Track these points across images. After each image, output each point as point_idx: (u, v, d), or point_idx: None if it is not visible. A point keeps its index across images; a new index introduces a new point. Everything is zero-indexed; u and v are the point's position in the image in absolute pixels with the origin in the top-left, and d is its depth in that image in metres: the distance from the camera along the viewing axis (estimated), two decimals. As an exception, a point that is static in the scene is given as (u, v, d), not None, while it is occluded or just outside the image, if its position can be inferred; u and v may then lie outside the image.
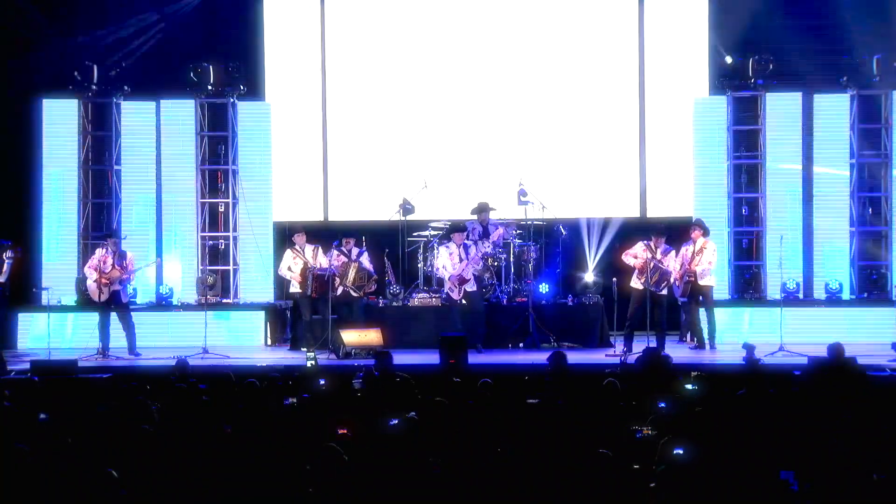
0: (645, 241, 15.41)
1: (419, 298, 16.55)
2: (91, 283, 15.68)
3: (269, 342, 17.09)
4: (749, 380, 10.67)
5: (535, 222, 16.94)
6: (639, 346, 15.05)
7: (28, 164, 17.69)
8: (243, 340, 16.95)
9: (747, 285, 17.22)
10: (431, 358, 14.24)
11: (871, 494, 6.71)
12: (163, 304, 17.28)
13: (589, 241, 17.32)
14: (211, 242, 17.77)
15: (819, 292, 17.17)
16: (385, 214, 17.31)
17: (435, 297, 16.48)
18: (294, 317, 16.80)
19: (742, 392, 9.72)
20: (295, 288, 16.00)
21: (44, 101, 17.62)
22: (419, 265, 16.80)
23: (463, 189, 17.84)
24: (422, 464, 7.27)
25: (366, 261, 16.00)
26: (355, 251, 15.95)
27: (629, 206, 18.05)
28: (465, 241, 15.93)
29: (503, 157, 18.07)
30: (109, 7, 17.52)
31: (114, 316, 15.74)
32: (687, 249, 15.75)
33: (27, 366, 13.76)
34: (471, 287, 15.70)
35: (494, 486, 6.94)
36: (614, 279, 15.71)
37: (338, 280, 15.71)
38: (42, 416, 9.20)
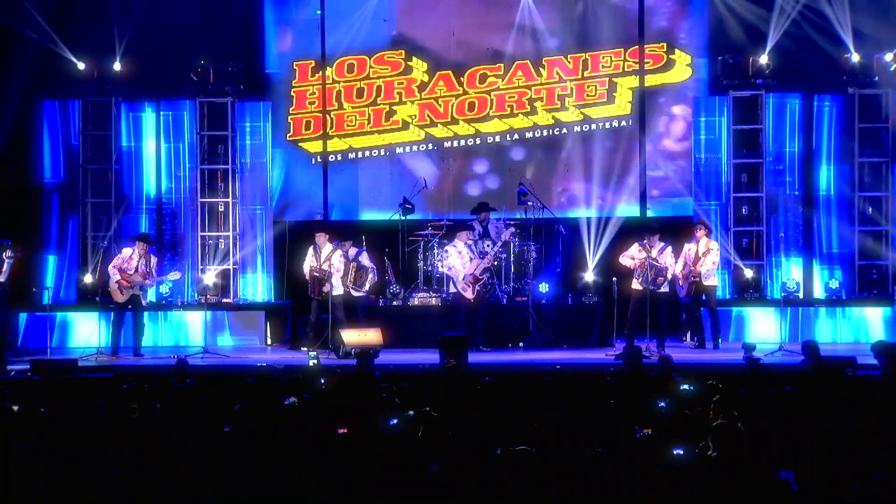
0: (640, 242, 15.39)
1: (419, 298, 16.55)
2: (112, 283, 15.65)
3: (269, 342, 17.09)
4: (749, 380, 10.66)
5: (534, 222, 16.94)
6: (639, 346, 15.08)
7: (28, 164, 17.69)
8: (243, 340, 16.95)
9: (747, 285, 17.21)
10: (431, 357, 14.25)
11: (872, 494, 6.71)
12: (163, 303, 17.27)
13: (589, 240, 17.31)
14: (211, 242, 17.76)
15: (819, 292, 17.17)
16: (385, 214, 17.30)
17: (435, 297, 16.48)
18: (295, 316, 16.81)
19: (742, 392, 9.72)
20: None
21: (44, 101, 17.63)
22: (419, 264, 16.80)
23: (463, 188, 17.82)
24: (420, 464, 7.27)
25: (365, 259, 15.99)
26: (353, 251, 15.94)
27: (629, 206, 18.03)
28: (470, 241, 15.94)
29: (503, 156, 18.06)
30: (109, 6, 17.50)
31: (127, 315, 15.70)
32: (690, 249, 15.75)
33: (27, 365, 13.76)
34: (480, 286, 15.75)
35: (494, 486, 6.94)
36: (614, 279, 15.71)
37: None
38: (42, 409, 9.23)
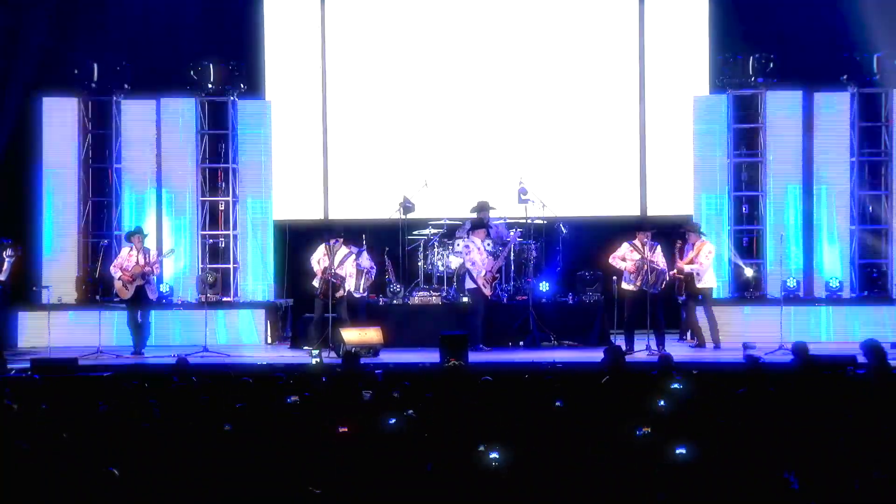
0: (629, 242, 15.35)
1: (420, 297, 16.56)
2: (118, 283, 15.86)
3: (269, 340, 17.11)
4: (749, 379, 10.66)
5: (535, 221, 16.93)
6: (639, 345, 15.09)
7: (28, 163, 17.68)
8: (243, 339, 16.96)
9: (747, 284, 17.21)
10: (432, 356, 14.25)
11: (871, 494, 6.71)
12: (163, 302, 17.27)
13: (589, 239, 17.29)
14: (211, 241, 17.77)
15: (819, 291, 17.16)
16: (385, 213, 17.31)
17: (435, 296, 16.49)
18: (295, 314, 16.81)
19: (742, 391, 9.72)
20: (316, 283, 15.89)
21: (44, 98, 17.62)
22: (419, 263, 16.80)
23: (463, 187, 17.84)
24: (418, 463, 7.27)
25: (365, 260, 15.98)
26: (354, 250, 15.91)
27: (629, 205, 18.04)
28: (487, 239, 15.98)
29: (503, 156, 18.07)
30: (110, 5, 17.51)
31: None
32: (684, 249, 15.84)
33: (27, 364, 13.76)
34: (495, 284, 15.82)
35: (493, 486, 6.94)
36: (615, 278, 15.71)
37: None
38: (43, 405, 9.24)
